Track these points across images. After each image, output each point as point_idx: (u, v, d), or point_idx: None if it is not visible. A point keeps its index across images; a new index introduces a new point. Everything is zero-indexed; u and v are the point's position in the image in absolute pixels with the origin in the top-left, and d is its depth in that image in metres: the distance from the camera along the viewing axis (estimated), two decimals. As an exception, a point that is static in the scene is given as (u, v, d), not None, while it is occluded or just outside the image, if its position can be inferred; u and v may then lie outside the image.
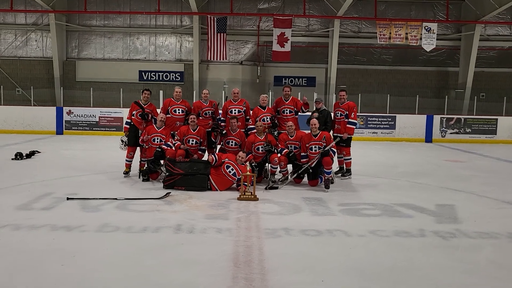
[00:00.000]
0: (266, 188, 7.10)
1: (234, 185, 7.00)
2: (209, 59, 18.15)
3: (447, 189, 7.60)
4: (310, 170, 7.40)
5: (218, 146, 8.10)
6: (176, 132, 7.71)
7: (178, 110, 8.15)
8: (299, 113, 8.28)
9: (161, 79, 19.40)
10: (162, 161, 7.51)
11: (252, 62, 19.81)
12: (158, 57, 19.65)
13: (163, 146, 7.55)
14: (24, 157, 9.79)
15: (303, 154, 7.46)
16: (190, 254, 4.14)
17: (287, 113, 8.17)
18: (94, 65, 19.20)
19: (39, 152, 10.73)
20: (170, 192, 6.58)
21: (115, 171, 8.16)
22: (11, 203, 5.79)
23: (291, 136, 7.63)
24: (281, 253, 4.24)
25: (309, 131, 7.53)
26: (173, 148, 7.58)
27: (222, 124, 8.08)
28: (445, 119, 16.74)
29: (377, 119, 16.50)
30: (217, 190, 6.90)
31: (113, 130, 15.10)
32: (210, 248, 4.32)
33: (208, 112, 8.21)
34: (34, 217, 5.20)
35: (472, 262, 4.15)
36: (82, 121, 16.05)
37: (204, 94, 8.32)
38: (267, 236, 4.73)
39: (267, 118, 8.05)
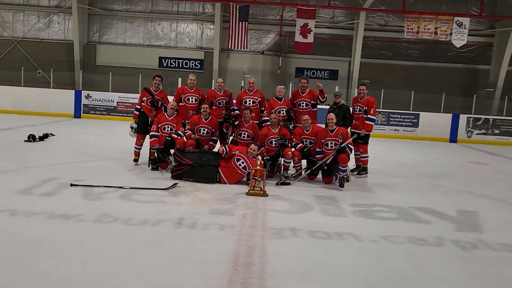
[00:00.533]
0: (277, 184, 6.80)
1: (244, 179, 6.73)
2: (229, 47, 17.84)
3: (470, 194, 7.16)
4: (325, 167, 7.06)
5: (230, 138, 7.82)
6: (187, 121, 7.46)
7: (191, 98, 7.89)
8: (318, 106, 7.92)
9: (180, 66, 19.17)
10: (171, 151, 7.28)
11: (273, 53, 19.41)
12: (178, 44, 19.44)
13: (173, 135, 7.32)
14: (37, 139, 9.72)
15: (318, 150, 7.12)
16: (187, 252, 3.89)
17: (303, 106, 7.83)
18: (115, 50, 19.12)
19: (53, 135, 10.67)
20: (177, 183, 6.35)
21: (126, 158, 7.97)
22: (14, 187, 5.65)
23: (307, 131, 7.29)
24: (285, 255, 3.95)
25: (326, 126, 7.20)
26: (184, 137, 7.35)
27: (236, 112, 7.77)
28: (472, 119, 16.06)
29: (399, 116, 15.95)
30: (226, 183, 6.63)
31: (130, 116, 14.71)
32: (209, 246, 4.06)
33: (222, 102, 7.93)
34: (33, 203, 5.04)
35: (494, 278, 3.78)
36: (100, 105, 16.01)
37: (218, 83, 8.04)
38: (272, 236, 4.44)
39: (283, 110, 7.73)
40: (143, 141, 7.71)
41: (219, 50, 18.71)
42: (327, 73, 19.21)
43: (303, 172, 7.32)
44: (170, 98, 7.98)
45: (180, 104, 7.86)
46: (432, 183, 7.83)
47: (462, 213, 5.80)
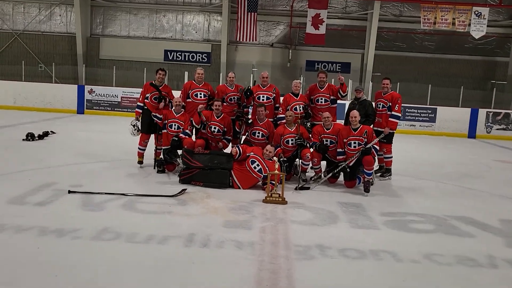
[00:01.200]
0: (296, 189, 6.18)
1: (260, 183, 6.11)
2: (238, 40, 17.22)
3: (506, 198, 6.51)
4: (348, 169, 6.44)
5: (243, 137, 7.19)
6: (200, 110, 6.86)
7: (200, 94, 7.25)
8: (338, 101, 7.28)
9: (187, 59, 18.56)
10: (179, 152, 6.68)
11: (283, 45, 18.73)
12: (184, 37, 18.78)
13: (181, 135, 6.71)
14: (36, 138, 9.15)
15: (340, 150, 6.48)
16: (201, 279, 3.29)
17: (322, 102, 7.18)
18: (118, 43, 18.50)
19: (53, 132, 10.11)
20: (186, 189, 5.74)
21: (130, 159, 7.36)
22: (5, 194, 5.08)
23: (327, 129, 6.65)
24: (315, 284, 3.33)
25: (348, 125, 6.56)
26: (192, 137, 6.75)
27: (246, 110, 7.18)
28: (491, 113, 15.32)
29: (416, 111, 15.24)
30: (239, 188, 6.03)
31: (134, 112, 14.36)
32: (225, 271, 3.46)
33: (234, 98, 7.30)
34: (25, 215, 4.45)
35: None
36: (103, 100, 15.43)
37: (230, 77, 7.40)
38: (298, 256, 3.83)
39: (300, 107, 7.08)
40: (148, 141, 7.10)
41: (226, 43, 18.09)
42: (339, 66, 18.50)
43: (323, 175, 6.69)
44: (176, 93, 7.36)
45: (188, 100, 7.24)
46: (462, 186, 7.17)
47: (506, 224, 5.16)
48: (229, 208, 5.12)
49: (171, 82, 13.94)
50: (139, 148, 7.07)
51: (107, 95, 15.36)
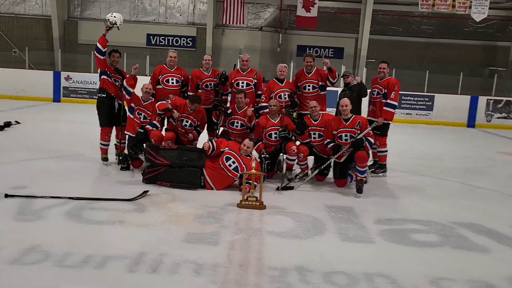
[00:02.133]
0: (278, 189, 5.35)
1: (236, 182, 5.27)
2: (224, 23, 16.28)
3: (518, 199, 5.74)
4: (338, 166, 5.62)
5: (221, 129, 6.33)
6: (169, 100, 5.89)
7: (172, 80, 6.37)
8: (327, 88, 6.43)
9: (170, 44, 17.48)
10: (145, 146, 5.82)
11: (273, 29, 17.77)
12: (168, 20, 17.74)
13: (147, 126, 5.85)
14: (-5, 129, 8.26)
15: (328, 141, 5.62)
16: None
17: (309, 89, 6.33)
18: (98, 27, 17.16)
19: (18, 123, 9.21)
20: (147, 191, 4.90)
21: (95, 154, 6.41)
22: None
23: (315, 120, 5.81)
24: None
25: (339, 115, 5.74)
26: (159, 128, 5.89)
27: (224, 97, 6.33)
28: (492, 101, 14.53)
29: (412, 99, 14.42)
30: (212, 189, 5.20)
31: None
32: (174, 311, 2.63)
33: (210, 84, 6.43)
34: None
35: None
36: (81, 88, 14.46)
37: (205, 60, 6.51)
38: (271, 284, 3.00)
39: (285, 94, 6.23)
40: (111, 135, 6.19)
41: (212, 26, 17.12)
42: (331, 51, 17.60)
43: (309, 172, 5.87)
44: (146, 80, 6.47)
45: (158, 87, 6.35)
46: (466, 183, 6.39)
47: (524, 232, 4.37)
48: (195, 216, 4.28)
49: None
50: (101, 144, 6.15)
51: (85, 82, 14.39)
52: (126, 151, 6.00)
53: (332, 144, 5.52)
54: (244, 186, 4.71)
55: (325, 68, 6.28)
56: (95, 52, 5.93)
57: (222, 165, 5.20)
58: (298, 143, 5.96)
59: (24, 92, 14.28)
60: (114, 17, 5.90)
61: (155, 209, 4.42)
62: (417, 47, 17.55)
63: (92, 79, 14.32)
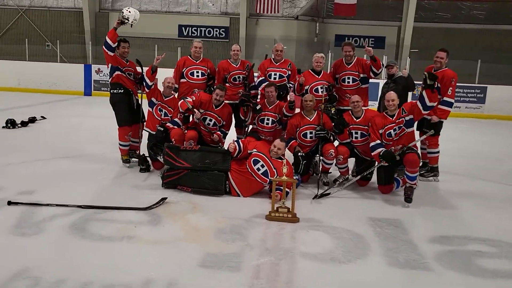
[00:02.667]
0: (315, 197, 4.65)
1: (266, 188, 4.64)
2: (258, 12, 15.61)
3: None
4: (383, 170, 4.88)
5: (250, 127, 5.71)
6: (191, 99, 5.28)
7: (197, 73, 5.80)
8: (370, 80, 5.68)
9: (203, 35, 16.97)
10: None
11: (309, 17, 16.86)
12: (200, 10, 17.21)
13: (168, 124, 5.30)
14: (18, 125, 7.98)
15: (377, 143, 4.86)
16: None
17: (349, 82, 5.60)
18: (130, 18, 17.04)
19: (44, 118, 8.94)
20: (165, 198, 4.34)
21: (115, 154, 5.88)
22: None
23: (357, 118, 5.08)
24: None
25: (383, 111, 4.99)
26: (182, 127, 5.33)
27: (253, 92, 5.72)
28: (552, 93, 13.17)
29: (462, 91, 13.23)
30: (238, 196, 4.59)
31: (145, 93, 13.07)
32: None
33: (239, 78, 5.81)
34: None
35: None
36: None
37: (234, 51, 5.88)
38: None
39: (322, 88, 5.53)
40: (131, 134, 5.65)
41: (246, 16, 16.43)
42: (372, 40, 16.52)
43: (350, 177, 5.16)
44: (169, 73, 5.92)
45: (182, 80, 5.82)
46: (535, 190, 5.48)
47: None
48: (216, 230, 3.69)
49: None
50: (121, 145, 5.61)
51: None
52: (148, 152, 5.47)
53: (381, 150, 4.74)
54: (273, 194, 4.07)
55: (366, 57, 5.51)
56: (103, 47, 5.38)
57: (249, 169, 4.57)
58: (336, 143, 5.26)
59: (56, 86, 14.17)
60: (129, 11, 5.35)
61: (171, 221, 3.87)
62: (467, 35, 16.21)
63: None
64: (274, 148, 4.59)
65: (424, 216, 4.34)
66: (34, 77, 14.13)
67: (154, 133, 5.30)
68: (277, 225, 3.88)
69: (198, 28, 17.12)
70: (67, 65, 14.88)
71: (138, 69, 5.63)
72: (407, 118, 4.69)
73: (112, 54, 5.36)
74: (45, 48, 16.58)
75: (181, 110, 5.20)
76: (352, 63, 5.63)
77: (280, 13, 16.18)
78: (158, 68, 5.44)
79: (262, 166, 4.56)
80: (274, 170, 4.53)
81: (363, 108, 5.12)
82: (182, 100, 5.19)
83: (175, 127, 5.29)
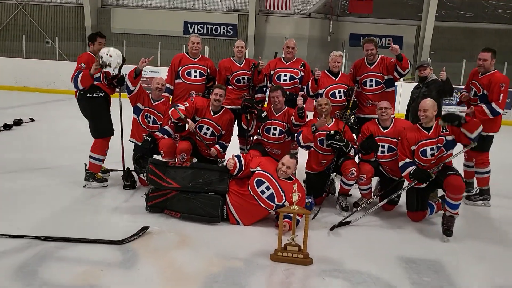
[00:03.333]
0: (332, 228, 3.78)
1: (273, 213, 3.79)
2: (268, 8, 14.82)
3: None
4: (414, 193, 4.00)
5: (255, 137, 4.86)
6: (183, 107, 4.41)
7: (195, 72, 4.97)
8: (396, 82, 4.86)
9: (210, 32, 16.19)
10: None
11: (323, 15, 15.98)
12: (207, 6, 16.37)
13: (157, 133, 4.48)
14: (1, 128, 7.23)
15: (405, 162, 3.99)
16: None
17: (372, 85, 4.74)
18: (133, 14, 16.30)
19: (32, 120, 8.19)
20: (146, 228, 3.51)
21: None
22: None
23: (385, 128, 4.22)
24: None
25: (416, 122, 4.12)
26: (173, 137, 4.50)
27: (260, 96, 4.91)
28: None
29: (486, 95, 12.26)
30: (238, 224, 3.75)
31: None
32: None
33: (243, 79, 4.99)
34: None
35: None
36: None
37: (238, 47, 5.05)
38: None
39: (340, 92, 4.67)
40: (108, 147, 4.69)
41: (255, 13, 15.60)
42: (389, 40, 15.56)
43: (373, 198, 4.29)
44: (162, 72, 5.09)
45: (178, 81, 5.00)
46: None
47: None
48: (207, 277, 2.85)
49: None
50: (96, 160, 4.57)
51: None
52: (133, 165, 4.64)
53: (412, 169, 3.87)
54: (281, 226, 3.22)
55: (393, 55, 4.65)
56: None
57: (252, 192, 3.72)
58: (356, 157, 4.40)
59: (54, 85, 13.42)
60: (110, 56, 4.38)
61: (150, 262, 3.05)
62: (492, 35, 15.19)
63: (123, 71, 13.21)
64: (283, 166, 3.74)
65: (474, 256, 3.47)
66: (32, 75, 13.40)
67: (140, 144, 4.47)
68: (284, 268, 3.04)
69: (205, 26, 16.32)
70: (66, 63, 14.08)
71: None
72: (448, 137, 3.81)
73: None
74: (45, 45, 15.89)
75: (172, 120, 4.38)
76: (375, 63, 4.79)
77: (291, 10, 15.37)
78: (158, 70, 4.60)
79: (268, 188, 3.71)
80: (282, 193, 3.68)
81: (392, 117, 4.25)
82: (173, 108, 4.35)
83: (165, 136, 4.47)
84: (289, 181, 3.75)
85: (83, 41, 15.64)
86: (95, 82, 4.46)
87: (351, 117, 4.71)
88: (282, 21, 15.89)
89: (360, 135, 4.36)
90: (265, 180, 3.73)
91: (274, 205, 3.69)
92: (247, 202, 3.72)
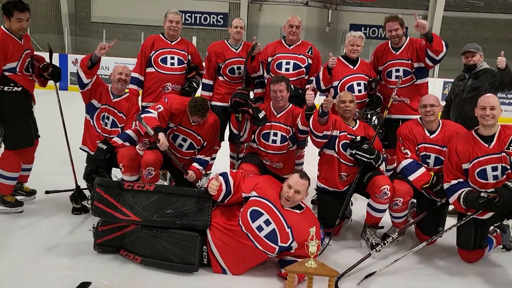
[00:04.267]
0: (360, 282, 2.61)
1: (273, 256, 2.64)
2: (262, -4, 13.84)
3: None
4: (471, 225, 2.88)
5: (247, 145, 3.71)
6: (155, 112, 3.21)
7: (172, 59, 3.83)
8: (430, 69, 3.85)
9: (198, 22, 15.09)
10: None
11: (321, 4, 15.04)
12: (196, -7, 15.40)
13: (114, 140, 3.30)
14: None
15: (453, 184, 2.86)
16: None
17: (399, 75, 3.62)
18: (114, 2, 15.08)
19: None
20: (88, 284, 2.35)
21: (55, 181, 3.89)
22: None
23: (431, 132, 3.10)
24: None
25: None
26: (138, 145, 3.32)
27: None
28: None
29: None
30: (225, 273, 2.60)
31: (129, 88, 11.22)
32: None
33: (239, 68, 3.88)
34: None
35: None
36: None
37: (236, 28, 3.94)
38: None
39: (359, 85, 3.60)
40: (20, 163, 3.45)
41: (248, 1, 14.68)
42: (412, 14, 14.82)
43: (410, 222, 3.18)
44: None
45: (149, 70, 3.85)
46: None
47: None
48: None
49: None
50: (6, 178, 3.31)
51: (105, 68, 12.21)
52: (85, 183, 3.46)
53: (463, 192, 2.76)
54: (291, 282, 2.07)
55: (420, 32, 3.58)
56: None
57: (244, 228, 2.57)
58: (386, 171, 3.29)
59: (27, 80, 12.22)
60: None
61: None
62: (503, 26, 14.43)
63: (105, 64, 12.04)
64: (289, 190, 2.59)
65: None
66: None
67: (93, 153, 3.29)
68: None
69: (193, 15, 15.21)
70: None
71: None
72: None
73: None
74: (15, 35, 14.65)
75: (141, 132, 3.22)
76: (402, 48, 3.74)
77: (287, -2, 14.46)
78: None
79: (267, 223, 2.56)
80: (289, 230, 2.55)
81: (438, 118, 3.15)
82: (142, 115, 3.14)
83: (126, 143, 3.28)
84: (298, 212, 2.61)
85: (60, 33, 14.43)
86: (6, 73, 3.19)
87: (373, 118, 3.59)
88: (277, 10, 14.84)
89: (404, 142, 3.19)
90: (263, 211, 2.57)
91: (277, 248, 2.55)
92: (237, 243, 2.57)
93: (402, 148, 3.15)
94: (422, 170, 3.03)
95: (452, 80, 4.20)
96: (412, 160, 3.08)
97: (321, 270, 2.04)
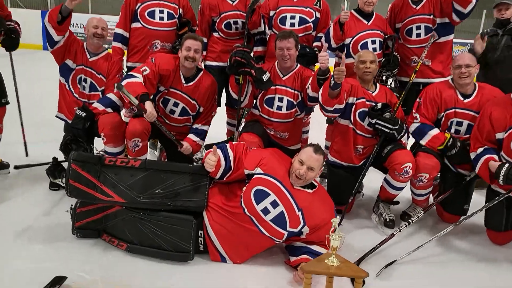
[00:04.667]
0: (378, 274, 2.26)
1: (281, 241, 2.26)
2: None
3: None
4: (503, 205, 2.53)
5: (248, 112, 3.27)
6: (139, 76, 2.74)
7: (161, 13, 3.32)
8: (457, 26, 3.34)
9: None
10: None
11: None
12: None
13: (95, 105, 2.85)
14: None
15: (479, 152, 2.50)
16: None
17: (420, 34, 3.19)
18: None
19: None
20: (63, 279, 1.97)
21: (39, 148, 3.54)
22: None
23: (465, 97, 2.70)
24: None
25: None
26: (122, 111, 2.90)
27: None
28: None
29: None
30: (224, 261, 2.23)
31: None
32: None
33: (236, 23, 3.38)
34: None
35: None
36: (77, 33, 11.42)
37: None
38: None
39: (375, 43, 3.16)
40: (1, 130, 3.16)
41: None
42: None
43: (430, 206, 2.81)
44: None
45: (135, 26, 3.37)
46: None
47: None
48: None
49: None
50: None
51: (80, 26, 11.37)
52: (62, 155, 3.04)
53: (506, 169, 2.35)
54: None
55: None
56: None
57: (247, 211, 2.18)
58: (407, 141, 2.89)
59: (8, 38, 11.44)
60: None
61: None
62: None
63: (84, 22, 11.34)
64: (301, 167, 2.18)
65: None
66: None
67: (71, 121, 2.86)
68: None
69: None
70: (21, 11, 12.03)
71: None
72: None
73: None
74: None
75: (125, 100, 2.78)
76: (424, 1, 3.18)
77: None
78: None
79: (274, 204, 2.17)
80: (299, 213, 2.16)
81: (473, 81, 2.72)
82: (124, 81, 2.68)
83: (108, 109, 2.84)
84: (310, 191, 2.23)
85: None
86: None
87: (390, 80, 3.17)
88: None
89: (420, 105, 2.77)
90: (270, 191, 2.18)
91: (285, 233, 2.17)
92: (238, 226, 2.20)
93: (414, 111, 2.75)
94: (436, 131, 2.65)
95: (471, 41, 3.73)
96: (421, 122, 2.69)
97: (347, 270, 1.67)
